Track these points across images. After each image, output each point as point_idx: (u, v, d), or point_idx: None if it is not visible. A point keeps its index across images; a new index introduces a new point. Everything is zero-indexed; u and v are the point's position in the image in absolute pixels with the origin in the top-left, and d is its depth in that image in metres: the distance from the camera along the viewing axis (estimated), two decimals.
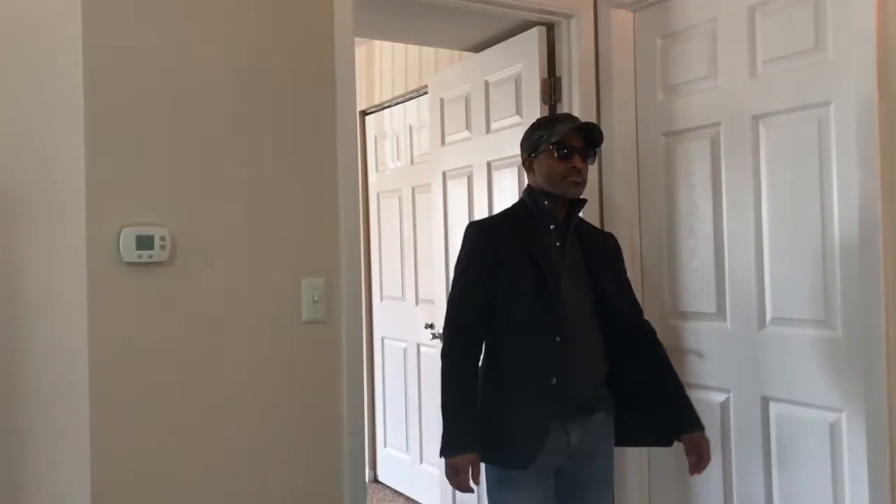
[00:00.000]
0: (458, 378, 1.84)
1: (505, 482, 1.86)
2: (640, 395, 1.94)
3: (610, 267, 2.00)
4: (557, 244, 1.92)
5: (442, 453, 1.82)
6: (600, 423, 1.93)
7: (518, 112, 2.70)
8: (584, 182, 1.92)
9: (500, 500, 1.89)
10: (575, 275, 1.91)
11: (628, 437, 2.00)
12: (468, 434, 1.82)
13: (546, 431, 1.81)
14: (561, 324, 1.83)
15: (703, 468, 1.95)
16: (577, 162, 1.88)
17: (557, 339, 1.82)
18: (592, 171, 1.97)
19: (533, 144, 1.94)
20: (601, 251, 2.00)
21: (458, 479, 1.79)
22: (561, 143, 1.88)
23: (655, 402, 1.96)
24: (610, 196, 2.56)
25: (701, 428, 1.97)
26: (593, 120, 2.55)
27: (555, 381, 1.81)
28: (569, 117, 1.95)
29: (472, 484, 1.79)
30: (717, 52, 2.28)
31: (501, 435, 1.85)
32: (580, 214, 2.01)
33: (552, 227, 1.93)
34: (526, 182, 2.02)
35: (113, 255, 1.79)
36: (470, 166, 2.95)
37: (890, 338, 1.83)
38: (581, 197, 1.95)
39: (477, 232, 1.95)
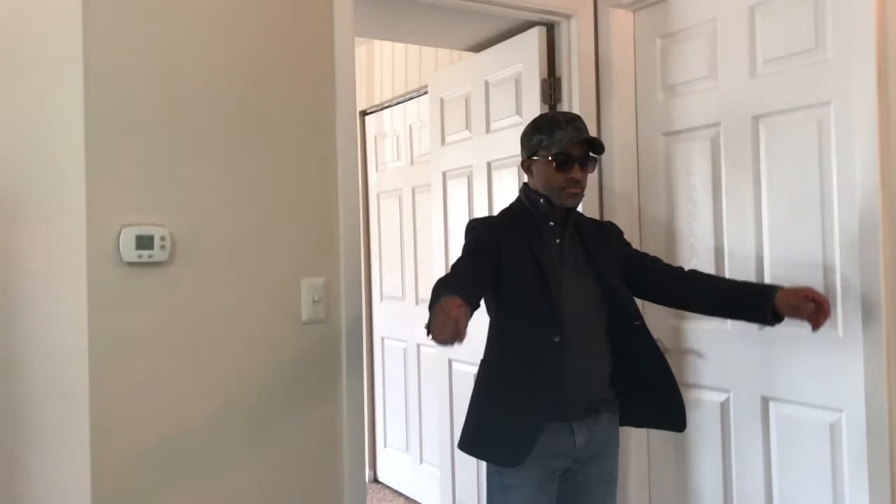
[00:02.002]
0: (447, 278, 1.73)
1: (507, 486, 1.85)
2: (650, 383, 1.92)
3: (614, 257, 1.98)
4: (557, 241, 1.91)
5: (428, 327, 1.50)
6: (606, 424, 1.92)
7: (518, 112, 2.70)
8: (582, 191, 1.90)
9: (501, 503, 1.88)
10: (577, 272, 1.90)
11: (637, 420, 2.00)
12: (456, 288, 1.59)
13: (537, 433, 1.79)
14: (560, 324, 1.82)
15: (828, 314, 1.75)
16: (576, 173, 1.86)
17: (556, 339, 1.81)
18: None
19: (532, 148, 1.92)
20: (602, 243, 1.99)
21: (444, 316, 1.45)
22: (560, 153, 1.85)
23: (730, 306, 1.91)
24: (610, 196, 2.56)
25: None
26: (593, 119, 2.56)
27: (550, 382, 1.80)
28: (570, 122, 1.89)
29: (458, 326, 1.44)
30: (717, 52, 2.28)
31: (492, 432, 1.86)
32: (579, 209, 2.00)
33: (551, 223, 1.92)
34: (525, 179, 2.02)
35: (113, 255, 1.79)
36: (470, 166, 2.95)
37: (890, 338, 1.83)
38: None
39: (480, 224, 1.95)
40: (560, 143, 1.85)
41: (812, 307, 1.76)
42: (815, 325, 1.77)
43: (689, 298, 2.01)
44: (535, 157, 1.91)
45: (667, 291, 2.01)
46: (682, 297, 2.01)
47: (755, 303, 1.84)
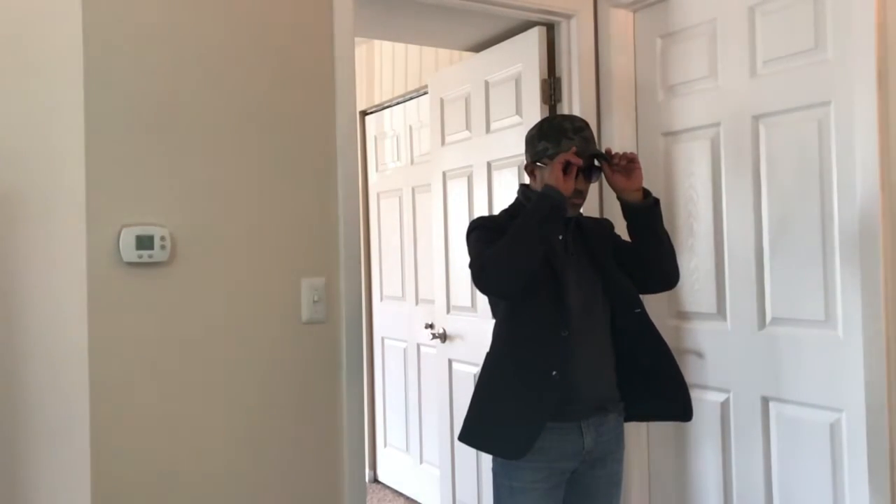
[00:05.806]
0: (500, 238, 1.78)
1: (516, 489, 1.84)
2: (652, 372, 1.92)
3: (610, 249, 1.99)
4: (560, 238, 1.92)
5: (545, 202, 1.77)
6: (613, 426, 1.92)
7: (518, 112, 2.70)
8: (584, 200, 1.92)
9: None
10: (581, 267, 1.90)
11: (642, 414, 1.99)
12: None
13: (541, 426, 1.79)
14: (567, 318, 1.82)
15: (620, 155, 1.90)
16: (580, 183, 1.87)
17: (564, 333, 1.81)
18: None
19: (537, 154, 1.91)
20: (601, 237, 1.99)
21: (558, 167, 1.78)
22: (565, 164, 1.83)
23: (636, 237, 1.95)
24: (610, 195, 2.55)
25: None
26: (593, 120, 2.56)
27: (557, 376, 1.80)
28: (578, 132, 1.88)
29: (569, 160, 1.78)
30: (717, 52, 2.28)
31: (495, 424, 1.86)
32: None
33: None
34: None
35: (113, 255, 1.79)
36: (470, 166, 2.95)
37: (890, 338, 1.83)
38: None
39: (486, 220, 1.96)
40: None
41: (617, 165, 1.88)
42: (616, 159, 1.89)
43: (645, 264, 1.97)
44: (540, 164, 1.91)
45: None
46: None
47: (630, 221, 1.93)
